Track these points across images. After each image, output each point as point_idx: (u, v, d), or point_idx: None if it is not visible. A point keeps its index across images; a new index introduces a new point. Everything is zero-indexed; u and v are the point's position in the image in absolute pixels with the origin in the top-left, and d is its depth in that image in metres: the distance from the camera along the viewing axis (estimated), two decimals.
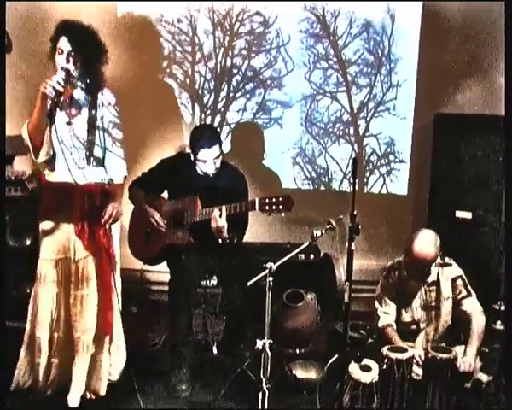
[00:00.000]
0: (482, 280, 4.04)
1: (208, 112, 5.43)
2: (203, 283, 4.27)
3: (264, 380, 3.54)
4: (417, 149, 5.43)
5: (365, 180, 5.49)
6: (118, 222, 3.68)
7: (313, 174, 5.49)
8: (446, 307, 3.83)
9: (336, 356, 3.71)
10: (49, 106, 3.36)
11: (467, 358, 3.60)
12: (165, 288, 4.09)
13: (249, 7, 5.25)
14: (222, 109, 5.41)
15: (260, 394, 3.55)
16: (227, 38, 5.31)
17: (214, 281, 4.28)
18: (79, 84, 3.55)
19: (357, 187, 3.25)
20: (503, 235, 4.37)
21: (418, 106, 5.36)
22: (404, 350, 3.58)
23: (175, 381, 3.95)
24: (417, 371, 3.61)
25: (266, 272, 3.52)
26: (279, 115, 5.42)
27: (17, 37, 4.71)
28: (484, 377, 3.65)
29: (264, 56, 5.34)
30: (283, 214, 3.75)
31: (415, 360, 3.60)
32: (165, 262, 4.25)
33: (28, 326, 3.69)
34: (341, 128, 5.45)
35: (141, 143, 5.12)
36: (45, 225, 3.62)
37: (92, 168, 3.57)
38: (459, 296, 3.81)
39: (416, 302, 3.87)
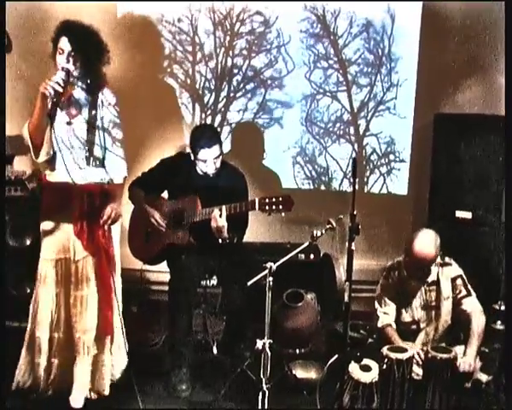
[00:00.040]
0: (482, 280, 4.04)
1: (209, 112, 5.43)
2: (203, 283, 4.27)
3: (264, 380, 3.54)
4: (417, 149, 5.43)
5: (365, 180, 5.49)
6: (118, 222, 3.68)
7: (313, 174, 5.49)
8: (446, 307, 3.83)
9: (336, 356, 3.71)
10: (49, 106, 3.36)
11: (467, 358, 3.60)
12: (165, 288, 4.09)
13: (250, 7, 5.25)
14: (222, 109, 5.41)
15: (260, 394, 3.55)
16: (228, 37, 5.31)
17: (214, 281, 4.28)
18: (80, 84, 3.55)
19: (357, 187, 3.25)
20: (503, 235, 4.37)
21: (418, 106, 5.36)
22: (404, 350, 3.58)
23: (175, 381, 3.96)
24: (417, 371, 3.61)
25: (266, 272, 3.53)
26: (279, 115, 5.42)
27: (17, 37, 4.71)
28: (484, 377, 3.66)
29: (265, 56, 5.34)
30: (283, 214, 3.75)
31: (415, 360, 3.60)
32: (165, 262, 4.25)
33: (29, 326, 3.68)
34: (341, 128, 5.45)
35: (141, 142, 5.12)
36: (46, 225, 3.62)
37: (92, 168, 3.56)
38: (459, 296, 3.81)
39: (416, 302, 3.87)
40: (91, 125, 3.54)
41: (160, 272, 4.47)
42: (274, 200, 3.73)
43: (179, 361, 4.00)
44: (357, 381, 3.50)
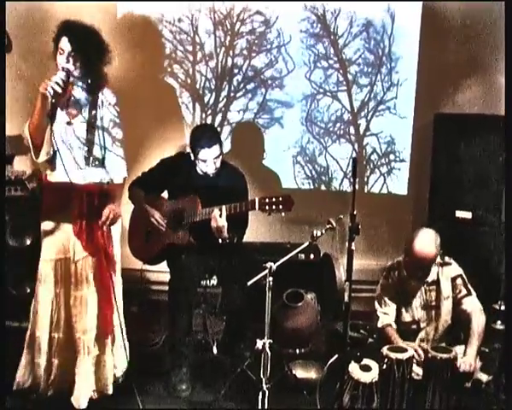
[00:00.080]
0: (482, 280, 4.04)
1: (209, 111, 5.43)
2: (203, 282, 4.27)
3: (264, 380, 3.54)
4: (417, 149, 5.43)
5: (366, 179, 5.49)
6: (118, 222, 3.68)
7: (313, 173, 5.49)
8: (446, 307, 3.83)
9: (336, 356, 3.70)
10: (49, 106, 3.36)
11: (467, 358, 3.60)
12: (166, 288, 4.09)
13: (250, 6, 5.25)
14: (223, 109, 5.41)
15: (260, 394, 3.55)
16: (228, 37, 5.31)
17: (214, 281, 4.28)
18: (80, 84, 3.55)
19: (357, 186, 3.26)
20: (503, 235, 4.37)
21: (418, 105, 5.36)
22: (404, 350, 3.57)
23: (175, 381, 3.96)
24: (417, 371, 3.61)
25: (266, 271, 3.53)
26: (280, 115, 5.42)
27: (17, 37, 4.72)
28: (484, 377, 3.66)
29: (265, 56, 5.34)
30: (283, 214, 3.75)
31: (415, 360, 3.60)
32: (165, 262, 4.25)
33: (29, 326, 3.69)
34: (342, 127, 5.45)
35: (141, 142, 5.13)
36: (46, 225, 3.62)
37: (92, 168, 3.56)
38: (459, 295, 3.81)
39: (416, 302, 3.87)
40: (91, 125, 3.54)
41: (160, 272, 4.47)
42: (274, 200, 3.73)
43: (179, 361, 4.00)
44: (357, 381, 3.50)
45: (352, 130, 5.44)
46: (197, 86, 5.39)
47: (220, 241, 3.93)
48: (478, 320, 3.73)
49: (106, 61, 3.55)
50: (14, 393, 3.64)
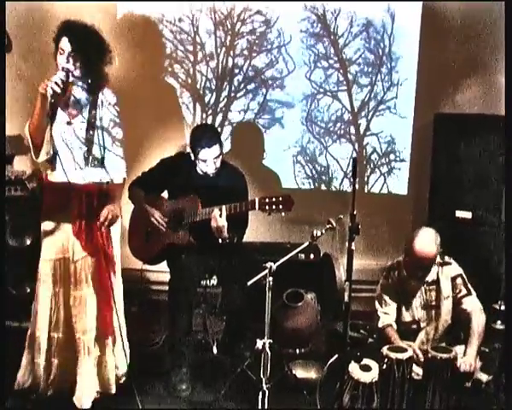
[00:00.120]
0: (482, 280, 4.04)
1: (210, 111, 5.43)
2: (203, 282, 4.27)
3: (264, 380, 3.54)
4: (417, 149, 5.43)
5: (366, 179, 5.49)
6: (118, 222, 3.68)
7: (314, 173, 5.49)
8: (446, 306, 3.83)
9: (336, 356, 3.70)
10: (48, 106, 3.36)
11: (467, 357, 3.60)
12: (166, 288, 4.09)
13: (250, 6, 5.25)
14: (223, 109, 5.41)
15: (260, 394, 3.55)
16: (228, 37, 5.31)
17: (214, 281, 4.28)
18: (80, 84, 3.54)
19: (357, 186, 3.26)
20: (503, 235, 4.37)
21: (418, 105, 5.36)
22: (404, 350, 3.57)
23: (175, 381, 3.96)
24: (417, 371, 3.61)
25: (266, 271, 3.53)
26: (280, 115, 5.42)
27: (17, 37, 4.72)
28: (484, 377, 3.66)
29: (266, 56, 5.34)
30: (283, 214, 3.75)
31: (415, 358, 3.60)
32: (165, 262, 4.25)
33: (30, 326, 3.69)
34: (342, 127, 5.45)
35: (141, 142, 5.12)
36: (46, 225, 3.62)
37: (92, 168, 3.56)
38: (459, 295, 3.81)
39: (416, 302, 3.87)
40: (91, 125, 3.54)
41: (160, 272, 4.47)
42: (274, 200, 3.73)
43: (179, 361, 4.00)
44: (357, 381, 3.50)
45: (352, 130, 5.45)
46: (198, 86, 5.39)
47: (220, 241, 3.93)
48: (478, 320, 3.73)
49: (106, 61, 3.54)
50: (14, 393, 3.64)
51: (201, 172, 4.10)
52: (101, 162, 3.56)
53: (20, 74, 5.00)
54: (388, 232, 5.41)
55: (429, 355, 3.54)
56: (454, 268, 3.85)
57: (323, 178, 5.51)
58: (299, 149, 5.46)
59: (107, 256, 3.60)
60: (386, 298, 3.89)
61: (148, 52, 5.24)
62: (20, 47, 4.84)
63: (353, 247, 3.14)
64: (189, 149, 4.24)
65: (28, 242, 4.65)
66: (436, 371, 3.51)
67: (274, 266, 3.54)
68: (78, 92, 3.56)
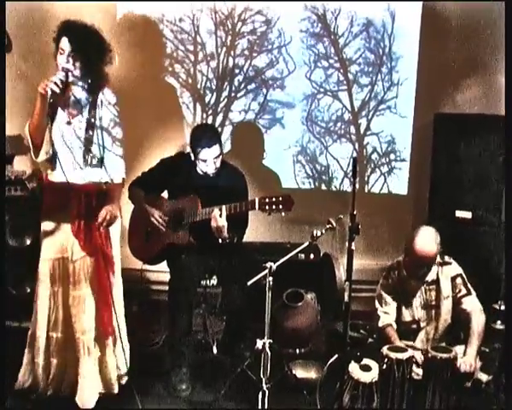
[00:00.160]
0: (482, 280, 4.05)
1: (210, 111, 5.42)
2: (203, 282, 4.27)
3: (264, 380, 3.55)
4: (417, 149, 5.42)
5: (366, 179, 5.49)
6: (118, 222, 3.68)
7: (314, 173, 5.49)
8: (446, 306, 3.83)
9: (336, 356, 3.70)
10: (48, 105, 3.36)
11: (467, 357, 3.60)
12: (166, 288, 4.09)
13: (251, 6, 5.24)
14: (224, 109, 5.41)
15: (260, 394, 3.56)
16: (229, 37, 5.30)
17: (214, 281, 4.28)
18: (80, 83, 3.55)
19: (357, 186, 3.26)
20: (503, 235, 4.37)
21: (418, 105, 5.36)
22: (404, 350, 3.57)
23: (175, 381, 3.96)
24: (417, 371, 3.61)
25: (266, 271, 3.53)
26: (281, 115, 5.41)
27: (17, 37, 4.71)
28: (484, 377, 3.65)
29: (266, 56, 5.34)
30: (283, 214, 3.75)
31: (414, 360, 3.60)
32: (165, 262, 4.25)
33: (31, 326, 3.69)
34: (342, 127, 5.44)
35: (142, 142, 5.12)
36: (46, 225, 3.63)
37: (92, 168, 3.56)
38: (459, 295, 3.81)
39: (416, 302, 3.87)
40: (91, 125, 3.54)
41: (160, 272, 4.47)
42: (274, 200, 3.73)
43: (179, 361, 4.01)
44: (357, 381, 3.50)
45: (352, 129, 5.44)
46: (198, 86, 5.39)
47: (220, 241, 3.93)
48: (478, 320, 3.73)
49: (106, 61, 3.55)
50: (14, 393, 3.65)
51: (201, 172, 4.10)
52: (100, 162, 3.57)
53: (20, 74, 5.00)
54: (388, 232, 5.41)
55: (429, 355, 3.54)
56: (454, 268, 3.85)
57: (323, 177, 5.51)
58: (300, 148, 5.45)
59: (106, 256, 3.61)
60: (387, 297, 3.89)
61: (148, 52, 5.23)
62: (20, 47, 4.84)
63: (353, 247, 3.15)
64: (189, 149, 4.24)
65: (28, 242, 4.65)
66: (436, 371, 3.50)
67: (274, 266, 3.54)
68: (78, 92, 3.56)
